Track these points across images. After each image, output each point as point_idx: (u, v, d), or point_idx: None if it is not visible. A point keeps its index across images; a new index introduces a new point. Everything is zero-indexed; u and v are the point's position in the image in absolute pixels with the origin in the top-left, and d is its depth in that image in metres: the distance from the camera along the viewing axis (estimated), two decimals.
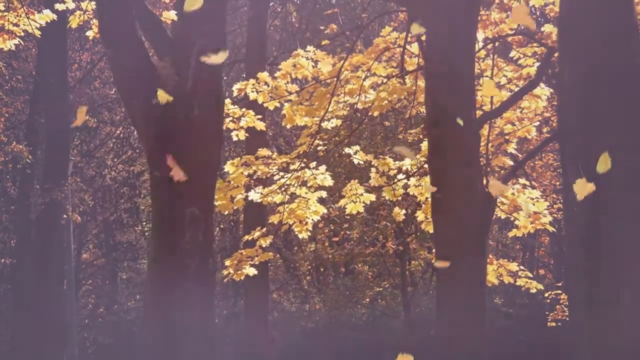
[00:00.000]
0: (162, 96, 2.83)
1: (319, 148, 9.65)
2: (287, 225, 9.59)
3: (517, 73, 9.42)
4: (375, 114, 9.73)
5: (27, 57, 19.40)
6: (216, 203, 8.70)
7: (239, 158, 9.57)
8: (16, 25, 9.21)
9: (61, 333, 17.66)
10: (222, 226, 22.74)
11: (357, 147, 10.09)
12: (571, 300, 6.52)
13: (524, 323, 18.02)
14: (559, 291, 15.12)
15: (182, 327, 6.98)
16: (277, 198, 9.40)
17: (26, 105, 19.80)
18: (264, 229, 9.83)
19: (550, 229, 9.46)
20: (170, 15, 7.75)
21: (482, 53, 9.23)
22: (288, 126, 9.60)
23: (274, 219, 9.65)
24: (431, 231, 8.19)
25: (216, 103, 7.45)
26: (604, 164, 2.81)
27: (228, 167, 9.37)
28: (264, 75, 9.38)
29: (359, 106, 9.36)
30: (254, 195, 9.36)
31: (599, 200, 5.77)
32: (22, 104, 20.13)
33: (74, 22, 8.81)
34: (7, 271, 19.83)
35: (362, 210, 9.81)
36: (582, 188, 2.86)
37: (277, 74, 9.27)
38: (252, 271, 9.57)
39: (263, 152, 9.50)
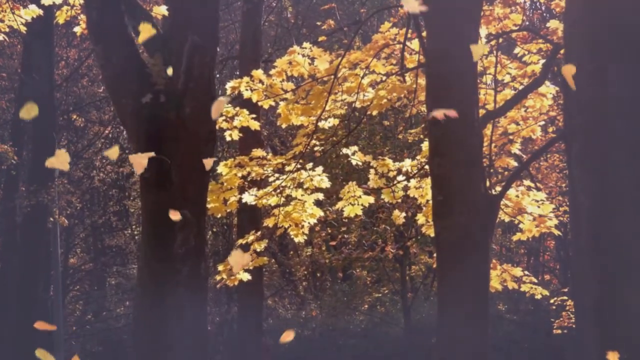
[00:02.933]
0: (29, 110, 2.58)
1: (315, 148, 9.53)
2: (283, 229, 9.52)
3: (522, 70, 9.33)
4: (374, 113, 9.60)
5: (12, 53, 19.17)
6: (208, 205, 8.61)
7: (232, 159, 9.44)
8: (1, 20, 9.13)
9: (48, 341, 17.35)
10: (214, 230, 22.49)
11: (355, 148, 10.01)
12: (578, 307, 6.31)
13: (529, 330, 17.85)
14: (565, 297, 15.04)
15: (173, 335, 6.92)
16: (272, 200, 9.30)
17: (11, 103, 19.61)
18: (259, 233, 9.79)
19: (556, 232, 9.31)
20: (161, 11, 7.60)
21: (485, 50, 9.05)
22: (283, 126, 9.48)
23: (268, 222, 9.57)
24: (432, 235, 8.04)
25: (208, 101, 7.24)
26: None
27: (221, 169, 9.26)
28: (258, 72, 9.22)
29: (357, 105, 9.24)
30: (248, 198, 9.25)
31: (608, 203, 5.59)
32: (7, 103, 19.93)
33: (61, 17, 8.75)
34: None
35: (360, 213, 9.75)
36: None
37: (272, 71, 9.11)
38: (246, 276, 9.54)
39: (257, 152, 9.40)
